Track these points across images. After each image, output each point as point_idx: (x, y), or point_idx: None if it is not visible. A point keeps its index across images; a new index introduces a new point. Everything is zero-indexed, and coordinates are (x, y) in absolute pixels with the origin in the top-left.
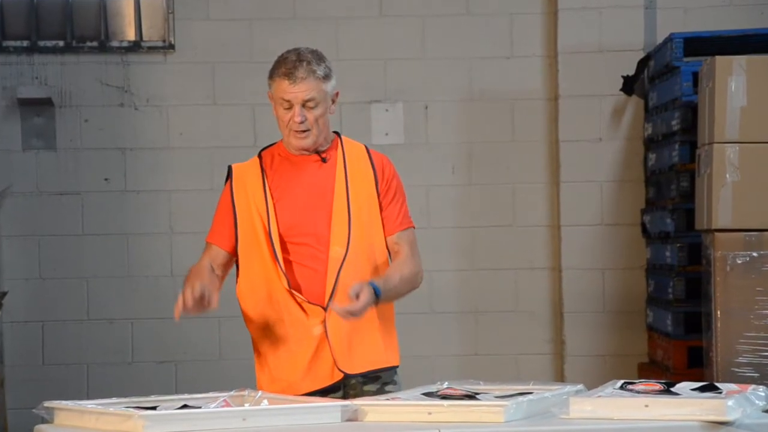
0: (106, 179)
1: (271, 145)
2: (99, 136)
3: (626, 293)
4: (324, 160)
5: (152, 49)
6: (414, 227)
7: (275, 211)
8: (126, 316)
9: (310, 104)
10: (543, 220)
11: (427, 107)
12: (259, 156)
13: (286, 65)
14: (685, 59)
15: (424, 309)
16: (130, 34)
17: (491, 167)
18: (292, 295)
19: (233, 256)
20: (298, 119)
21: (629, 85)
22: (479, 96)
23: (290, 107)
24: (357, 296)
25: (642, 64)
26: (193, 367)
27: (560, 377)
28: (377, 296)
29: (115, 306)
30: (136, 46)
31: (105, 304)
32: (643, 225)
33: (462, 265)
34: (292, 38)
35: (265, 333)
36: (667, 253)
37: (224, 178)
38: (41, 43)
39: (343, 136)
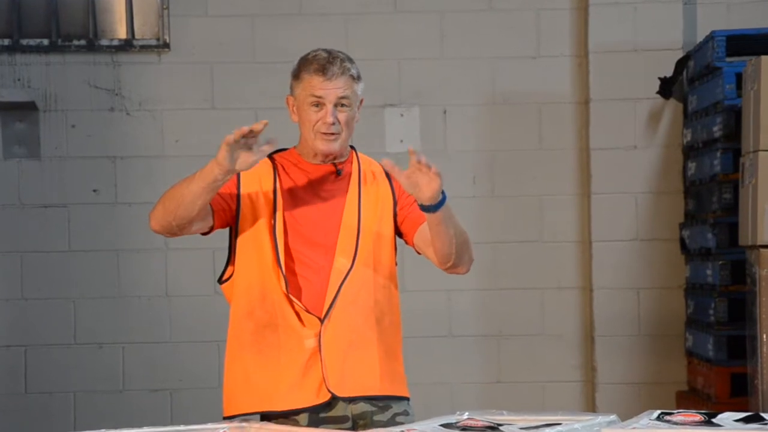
0: (94, 191)
1: (281, 150)
2: (87, 143)
3: (663, 315)
4: (339, 173)
5: (145, 48)
6: None
7: (283, 211)
8: (116, 340)
9: (344, 102)
10: (572, 235)
11: (445, 112)
12: (271, 158)
13: (318, 61)
14: (728, 59)
15: (442, 332)
16: (121, 32)
17: (516, 177)
18: (289, 300)
19: (212, 220)
20: (330, 119)
21: (667, 88)
22: (503, 99)
23: (320, 106)
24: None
25: (681, 64)
26: (189, 396)
27: (591, 407)
28: (444, 196)
29: (104, 329)
30: (127, 45)
31: (94, 327)
32: (682, 241)
33: (484, 285)
34: (298, 36)
35: (253, 337)
36: (708, 272)
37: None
38: (24, 42)
39: (357, 152)
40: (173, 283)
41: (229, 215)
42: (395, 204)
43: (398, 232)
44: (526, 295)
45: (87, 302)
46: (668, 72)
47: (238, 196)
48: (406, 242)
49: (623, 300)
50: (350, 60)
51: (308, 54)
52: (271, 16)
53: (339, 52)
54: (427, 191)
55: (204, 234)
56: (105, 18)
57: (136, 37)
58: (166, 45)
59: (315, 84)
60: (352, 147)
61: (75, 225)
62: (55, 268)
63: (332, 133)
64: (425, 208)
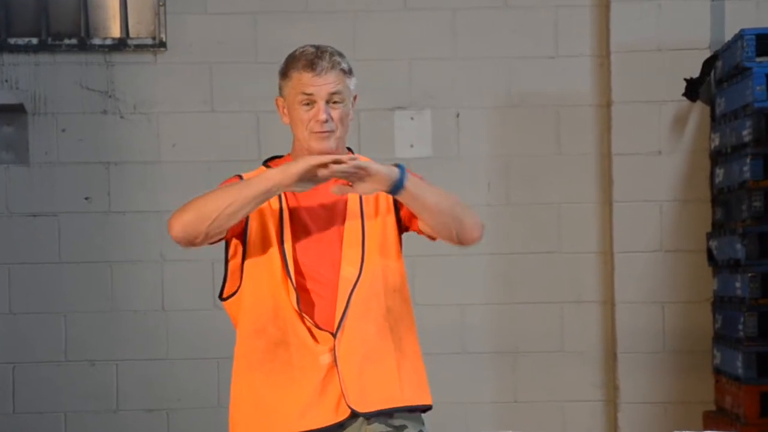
0: (86, 198)
1: (276, 157)
2: (79, 148)
3: (689, 330)
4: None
5: (140, 47)
6: None
7: (290, 223)
8: (110, 357)
9: (336, 99)
10: (593, 246)
11: (458, 115)
12: (267, 166)
13: (306, 57)
14: (758, 59)
15: (455, 349)
16: (115, 30)
17: (533, 184)
18: (301, 317)
19: (222, 237)
20: (322, 116)
21: (693, 90)
22: (519, 102)
23: (311, 104)
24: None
25: (708, 64)
26: (187, 416)
27: (613, 428)
28: (400, 171)
29: (97, 345)
30: (121, 44)
31: (85, 343)
32: (710, 251)
33: (499, 299)
34: (302, 35)
35: (264, 355)
36: (737, 284)
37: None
38: (11, 41)
39: (355, 153)
40: (170, 297)
41: (239, 228)
42: (396, 204)
43: (405, 227)
44: (544, 309)
45: (78, 316)
46: (695, 73)
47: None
48: (416, 231)
49: (647, 314)
50: (340, 54)
51: (295, 51)
52: (273, 13)
53: (327, 46)
54: (372, 185)
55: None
56: (98, 15)
57: (131, 35)
58: (163, 44)
59: (304, 81)
60: (349, 149)
61: (66, 235)
62: (45, 281)
63: (326, 131)
64: (392, 193)
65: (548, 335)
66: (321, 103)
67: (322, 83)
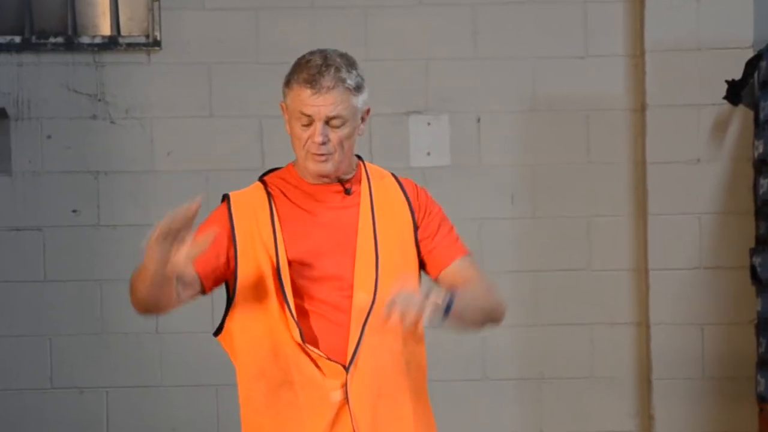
0: (74, 211)
1: (275, 169)
2: (65, 156)
3: (731, 355)
4: (348, 192)
5: (133, 46)
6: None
7: (285, 246)
8: (99, 384)
9: (336, 122)
10: (626, 263)
11: (479, 120)
12: (263, 182)
13: (309, 70)
14: None
15: (475, 375)
16: (105, 28)
17: (560, 196)
18: (305, 350)
19: (201, 286)
20: (318, 139)
21: (735, 92)
22: (545, 106)
23: (310, 124)
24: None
25: (751, 65)
26: None
27: None
28: (448, 306)
29: (85, 371)
30: (112, 43)
31: (73, 369)
32: (753, 268)
33: (523, 320)
34: (308, 33)
35: (267, 399)
36: None
37: (221, 209)
38: None
39: (366, 162)
40: (164, 319)
41: (220, 273)
42: (416, 228)
43: (420, 262)
44: (573, 331)
45: (65, 340)
46: (737, 74)
47: (234, 243)
48: (428, 275)
49: (685, 337)
50: (350, 66)
51: (303, 57)
52: (277, 9)
53: (338, 56)
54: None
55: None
56: (86, 12)
57: (122, 33)
58: (157, 43)
59: (303, 99)
60: (359, 157)
61: (51, 251)
62: (29, 301)
63: (323, 154)
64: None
65: (577, 360)
66: (318, 125)
67: (321, 104)
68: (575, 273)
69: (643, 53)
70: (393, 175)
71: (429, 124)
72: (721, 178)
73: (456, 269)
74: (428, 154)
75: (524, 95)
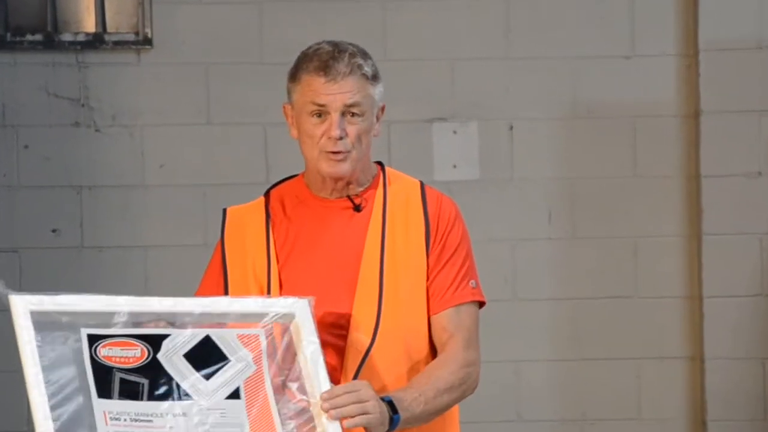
0: (54, 230)
1: (283, 180)
2: (45, 168)
3: None
4: (358, 209)
5: (120, 44)
6: (479, 301)
7: (279, 278)
8: None
9: (355, 111)
10: (678, 289)
11: (511, 128)
12: (266, 196)
13: (320, 57)
14: None
15: (508, 416)
16: (89, 24)
17: (603, 214)
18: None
19: None
20: (335, 133)
21: None
22: (586, 112)
23: (324, 116)
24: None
25: None
26: None
27: None
28: (393, 421)
29: None
30: (97, 41)
31: None
32: None
33: (562, 354)
34: (318, 29)
35: None
36: None
37: (219, 229)
38: None
39: (388, 169)
40: None
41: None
42: (428, 254)
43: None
44: (618, 367)
45: None
46: None
47: (225, 275)
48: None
49: (744, 373)
50: (364, 54)
51: (308, 48)
52: (283, 3)
53: (349, 44)
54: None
55: None
56: (68, 6)
57: (109, 30)
58: (148, 40)
59: (316, 87)
60: (379, 163)
61: (28, 275)
62: (4, 331)
63: (340, 152)
64: None
65: (622, 399)
66: (335, 116)
67: (336, 91)
68: (620, 301)
69: (696, 53)
70: (422, 184)
71: (455, 132)
72: None
73: (443, 322)
74: (454, 166)
75: (563, 100)
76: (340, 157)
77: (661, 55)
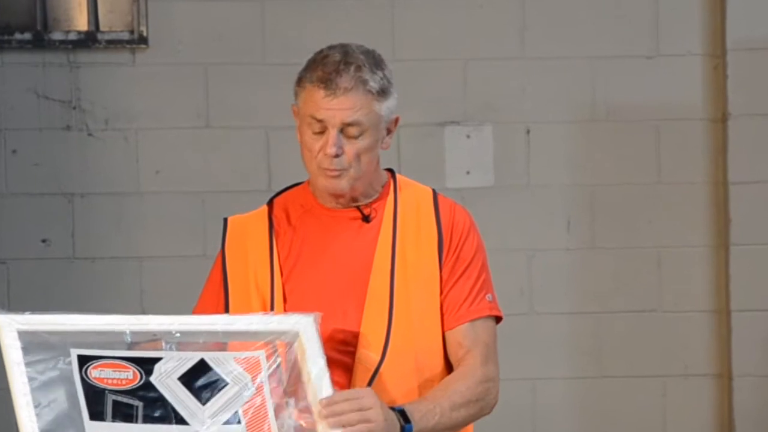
0: (44, 241)
1: (288, 188)
2: (34, 174)
3: None
4: (366, 219)
5: (114, 43)
6: (496, 316)
7: (284, 292)
8: None
9: (353, 131)
10: (704, 302)
11: (528, 132)
12: (270, 204)
13: (325, 67)
14: None
15: None
16: (81, 22)
17: (625, 222)
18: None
19: None
20: (331, 150)
21: None
22: (606, 115)
23: (322, 132)
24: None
25: None
26: None
27: None
28: (404, 431)
29: None
30: (89, 40)
31: None
32: None
33: (581, 371)
34: (324, 28)
35: None
36: None
37: (220, 239)
38: None
39: (399, 176)
40: None
41: None
42: (441, 266)
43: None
44: (641, 384)
45: None
46: None
47: (226, 287)
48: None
49: None
50: (375, 65)
51: (321, 51)
52: (287, 0)
53: (361, 53)
54: None
55: None
56: (58, 3)
57: (102, 28)
58: (143, 39)
59: (316, 100)
60: (390, 170)
61: (17, 287)
62: None
63: (335, 169)
64: None
65: (646, 419)
66: (333, 132)
67: (336, 108)
68: (643, 315)
69: (724, 53)
70: (434, 192)
71: (468, 136)
72: None
73: (458, 338)
74: (468, 172)
75: (582, 102)
76: (335, 174)
77: (686, 55)
